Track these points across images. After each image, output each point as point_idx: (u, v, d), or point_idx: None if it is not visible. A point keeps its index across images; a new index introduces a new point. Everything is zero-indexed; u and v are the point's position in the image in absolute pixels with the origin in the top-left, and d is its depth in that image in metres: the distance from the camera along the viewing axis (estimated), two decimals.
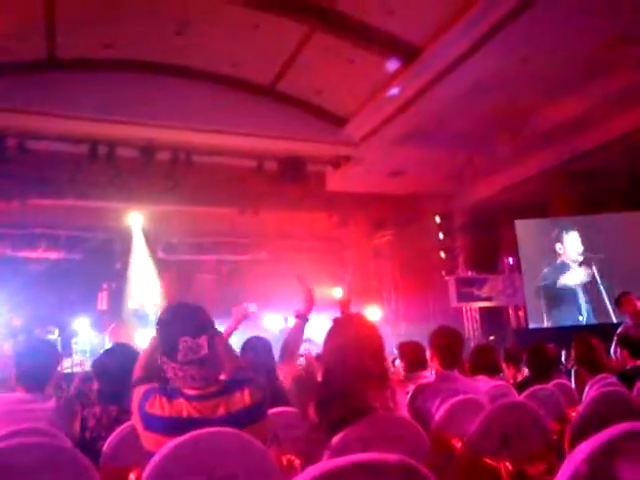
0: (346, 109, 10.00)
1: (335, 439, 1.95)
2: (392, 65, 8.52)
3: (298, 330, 2.77)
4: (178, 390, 2.03)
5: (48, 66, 8.76)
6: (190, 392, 2.01)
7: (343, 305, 3.12)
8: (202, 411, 1.97)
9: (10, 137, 9.10)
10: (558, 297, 10.90)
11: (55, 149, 9.53)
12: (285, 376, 2.53)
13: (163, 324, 2.12)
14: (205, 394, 2.02)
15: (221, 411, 1.99)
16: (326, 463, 1.02)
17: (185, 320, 2.08)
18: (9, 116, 8.59)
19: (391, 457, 1.05)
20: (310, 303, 2.86)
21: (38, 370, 2.82)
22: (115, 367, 2.85)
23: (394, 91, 8.86)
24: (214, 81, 9.64)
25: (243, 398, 2.04)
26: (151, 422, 1.96)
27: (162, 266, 12.16)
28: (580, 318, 10.69)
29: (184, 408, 1.97)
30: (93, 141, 9.49)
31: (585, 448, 1.07)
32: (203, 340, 2.02)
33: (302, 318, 2.79)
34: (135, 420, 2.02)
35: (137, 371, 2.23)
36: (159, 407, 1.97)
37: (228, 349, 2.45)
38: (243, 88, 9.81)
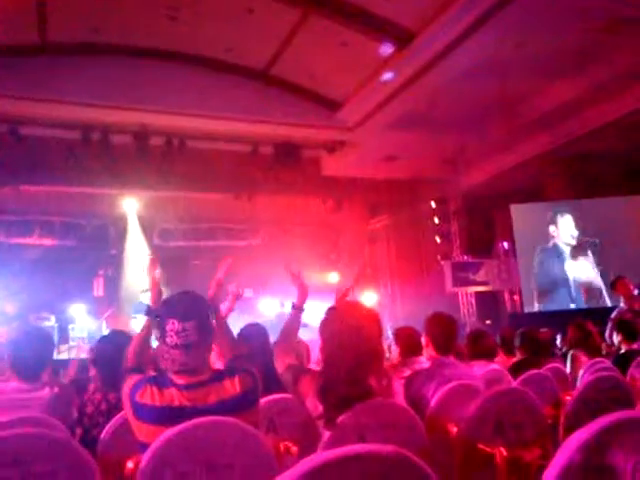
0: (340, 94, 9.95)
1: (336, 423, 1.97)
2: (386, 49, 8.47)
3: (294, 320, 2.82)
4: (169, 379, 2.04)
5: (40, 51, 8.67)
6: (180, 381, 2.02)
7: (342, 295, 3.11)
8: (193, 400, 1.98)
9: (2, 123, 9.03)
10: (552, 281, 10.95)
11: (48, 135, 9.47)
12: (279, 364, 2.54)
13: (158, 307, 2.17)
14: (195, 382, 2.03)
15: (212, 399, 2.00)
16: (320, 455, 1.02)
17: (175, 304, 2.10)
18: (0, 101, 8.51)
19: (385, 448, 1.05)
20: (303, 293, 2.91)
21: (33, 359, 2.82)
22: (111, 354, 2.85)
23: (388, 76, 8.81)
24: (208, 66, 9.56)
25: (234, 386, 2.05)
26: (142, 412, 1.97)
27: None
28: (574, 303, 10.76)
29: (175, 397, 1.98)
30: (86, 127, 9.43)
31: (579, 437, 1.08)
32: (191, 325, 2.02)
33: (297, 309, 2.84)
34: (126, 410, 2.04)
35: (129, 359, 2.24)
36: (150, 397, 1.98)
37: (228, 335, 2.48)
38: (237, 73, 9.73)
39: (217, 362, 2.41)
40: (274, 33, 8.69)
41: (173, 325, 2.01)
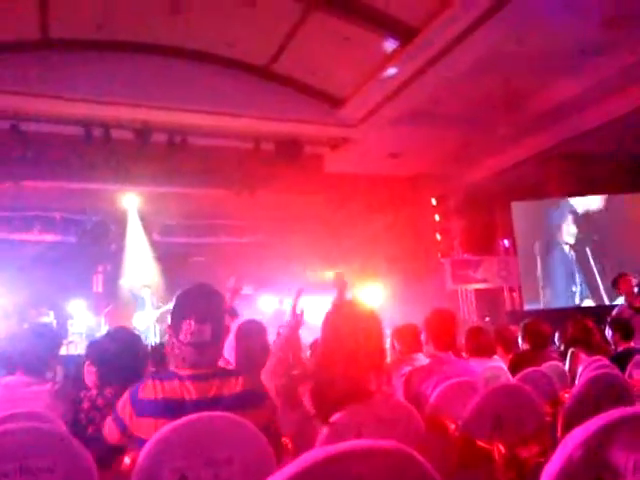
0: (343, 90, 9.91)
1: (331, 421, 1.97)
2: (389, 46, 8.45)
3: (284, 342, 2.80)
4: (172, 372, 2.06)
5: (42, 47, 8.64)
6: (184, 372, 2.04)
7: (340, 289, 3.14)
8: (195, 392, 1.99)
9: (3, 119, 9.01)
10: (551, 278, 10.96)
11: (49, 131, 9.44)
12: (267, 381, 2.54)
13: (175, 301, 2.16)
14: (199, 374, 2.04)
15: (213, 393, 2.01)
16: (320, 450, 1.02)
17: (192, 303, 2.11)
18: (1, 97, 8.49)
19: (386, 444, 1.05)
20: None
21: (39, 354, 2.85)
22: (113, 350, 2.86)
23: (391, 72, 8.79)
24: (210, 62, 9.52)
25: (237, 383, 2.06)
26: (144, 407, 1.98)
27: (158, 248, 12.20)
28: (574, 300, 10.76)
29: (177, 389, 1.99)
30: (87, 123, 9.41)
31: (579, 433, 1.07)
32: (207, 327, 2.03)
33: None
34: (123, 413, 2.02)
35: None
36: (152, 390, 1.99)
37: None
38: (239, 69, 9.70)
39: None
40: (276, 29, 8.66)
41: (189, 326, 2.03)
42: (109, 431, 2.09)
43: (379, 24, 8.02)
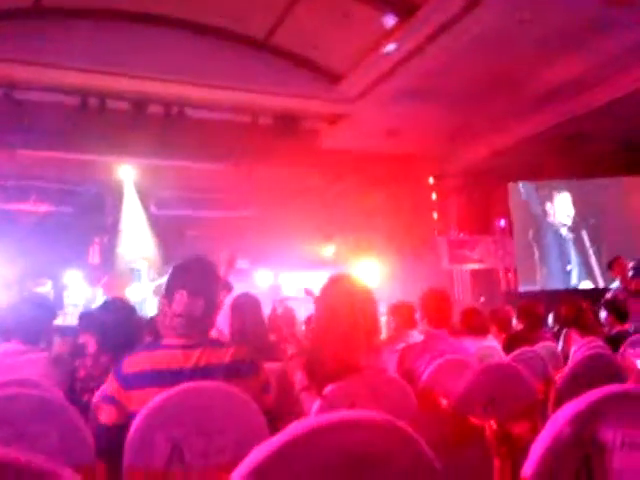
0: (342, 65, 9.82)
1: (324, 393, 1.99)
2: (388, 21, 8.35)
3: None
4: (160, 342, 2.07)
5: (36, 14, 8.50)
6: (172, 342, 2.04)
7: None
8: (184, 361, 1.99)
9: None
10: (547, 260, 11.00)
11: (44, 100, 9.33)
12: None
13: (171, 271, 2.16)
14: (189, 344, 2.03)
15: (203, 362, 2.00)
16: (311, 420, 1.02)
17: (187, 275, 2.11)
18: None
19: (377, 416, 1.06)
20: None
21: (36, 324, 2.87)
22: (108, 320, 2.88)
23: (390, 48, 8.69)
24: (208, 34, 9.41)
25: (227, 354, 2.06)
26: (130, 380, 1.96)
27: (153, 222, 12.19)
28: (570, 282, 10.81)
29: (166, 358, 1.99)
30: (84, 92, 9.30)
31: (569, 409, 1.08)
32: (199, 300, 2.04)
33: None
34: (112, 389, 2.00)
35: None
36: (139, 362, 1.98)
37: None
38: (238, 41, 9.59)
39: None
40: (275, 1, 8.54)
41: (182, 296, 2.03)
42: (104, 412, 2.03)
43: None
